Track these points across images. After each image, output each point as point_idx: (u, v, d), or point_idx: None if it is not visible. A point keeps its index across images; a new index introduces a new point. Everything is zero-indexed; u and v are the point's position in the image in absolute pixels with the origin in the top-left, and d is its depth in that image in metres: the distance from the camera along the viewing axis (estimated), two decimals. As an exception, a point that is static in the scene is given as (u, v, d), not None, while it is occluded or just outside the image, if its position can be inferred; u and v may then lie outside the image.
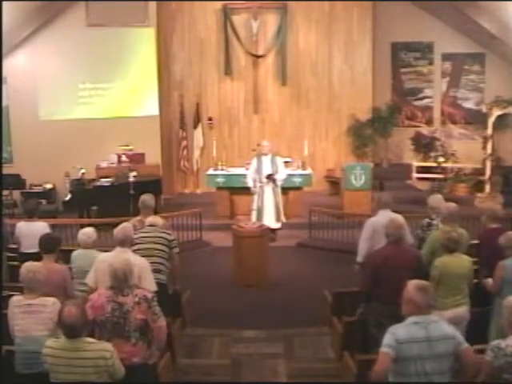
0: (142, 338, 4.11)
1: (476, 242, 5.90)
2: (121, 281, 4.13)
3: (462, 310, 4.92)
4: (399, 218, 6.05)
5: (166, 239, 5.81)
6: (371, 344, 4.94)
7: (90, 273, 5.06)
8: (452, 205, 5.76)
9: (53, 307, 4.23)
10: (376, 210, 6.33)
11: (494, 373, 3.30)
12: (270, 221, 9.48)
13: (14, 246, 7.10)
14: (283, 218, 9.92)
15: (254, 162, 9.83)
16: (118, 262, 4.22)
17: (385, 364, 3.40)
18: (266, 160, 9.77)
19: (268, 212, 9.67)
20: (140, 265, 4.81)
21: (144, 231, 5.86)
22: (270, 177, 9.65)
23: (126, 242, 5.12)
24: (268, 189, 9.73)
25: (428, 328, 3.42)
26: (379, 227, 5.63)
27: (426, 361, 3.38)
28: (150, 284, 4.86)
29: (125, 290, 4.12)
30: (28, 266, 4.36)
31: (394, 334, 3.42)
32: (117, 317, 4.06)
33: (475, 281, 5.49)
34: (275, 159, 9.87)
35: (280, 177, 9.77)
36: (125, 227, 5.21)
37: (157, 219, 6.07)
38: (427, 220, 6.01)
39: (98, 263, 5.04)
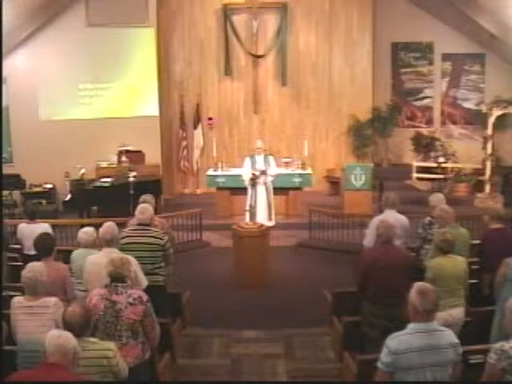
0: (133, 337, 4.10)
1: (477, 242, 5.90)
2: (118, 267, 4.15)
3: (457, 312, 4.91)
4: (402, 218, 6.07)
5: (158, 245, 5.53)
6: (367, 344, 4.96)
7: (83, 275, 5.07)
8: (444, 208, 5.69)
9: (55, 307, 4.23)
10: (382, 209, 6.32)
11: (497, 374, 3.29)
12: (263, 220, 9.54)
13: (16, 247, 7.10)
14: (273, 218, 10.12)
15: (248, 161, 10.14)
16: (115, 254, 4.32)
17: (383, 380, 3.44)
18: (259, 158, 10.11)
19: (261, 211, 9.82)
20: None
21: (133, 235, 5.57)
22: (263, 172, 9.90)
23: (113, 242, 5.11)
24: (261, 188, 9.93)
25: (429, 336, 3.39)
26: None
27: (427, 369, 3.37)
28: (142, 279, 4.91)
29: (119, 289, 4.12)
30: (29, 269, 4.33)
31: (389, 346, 3.40)
32: (109, 315, 4.07)
33: (475, 281, 5.50)
34: (268, 158, 10.22)
35: (271, 172, 10.05)
36: (110, 226, 5.17)
37: (145, 211, 5.66)
38: (429, 218, 6.00)
39: (87, 266, 5.03)
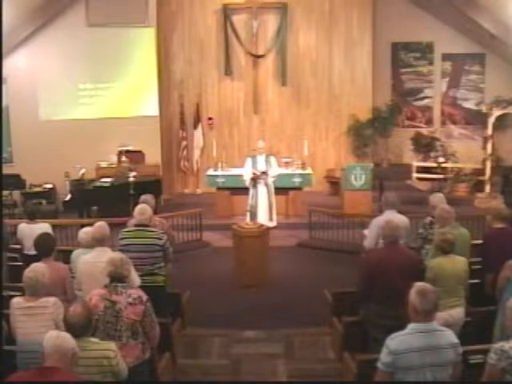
0: (133, 337, 4.10)
1: (478, 241, 5.89)
2: (118, 267, 4.14)
3: (457, 312, 4.91)
4: (402, 218, 6.05)
5: (157, 245, 5.51)
6: (372, 344, 4.95)
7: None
8: (445, 208, 5.69)
9: (54, 307, 4.23)
10: (382, 209, 6.30)
11: (497, 375, 3.29)
12: (264, 220, 9.52)
13: (16, 247, 7.09)
14: (275, 218, 10.08)
15: (249, 161, 10.10)
16: (113, 254, 4.34)
17: (382, 380, 3.44)
18: (261, 159, 10.05)
19: (262, 211, 9.81)
20: None
21: (131, 236, 5.54)
22: (263, 173, 9.87)
23: (105, 241, 5.11)
24: (262, 189, 9.91)
25: (429, 336, 3.39)
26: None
27: (427, 369, 3.37)
28: (135, 278, 4.84)
29: (119, 289, 4.11)
30: (31, 270, 4.32)
31: (389, 346, 3.40)
32: (109, 315, 4.06)
33: (476, 281, 5.49)
34: (269, 158, 10.16)
35: (272, 173, 9.99)
36: (101, 226, 5.18)
37: (144, 211, 5.62)
38: (429, 218, 5.98)
39: (80, 265, 5.03)
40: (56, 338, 3.22)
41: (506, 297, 4.43)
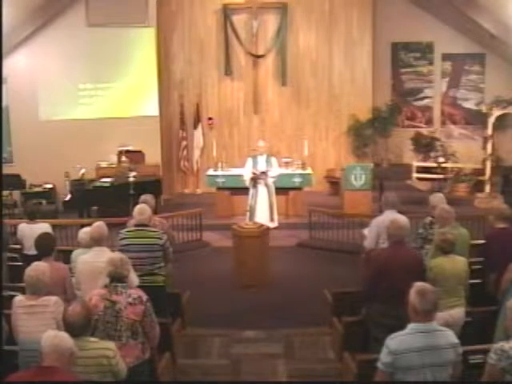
0: (133, 337, 4.10)
1: (478, 242, 5.89)
2: (118, 267, 4.14)
3: (457, 312, 4.91)
4: (403, 218, 6.04)
5: (157, 245, 5.50)
6: (372, 344, 4.95)
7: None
8: (445, 208, 5.69)
9: (55, 306, 4.24)
10: (382, 209, 6.30)
11: (497, 375, 3.29)
12: (265, 220, 9.48)
13: (16, 247, 7.10)
14: (276, 218, 10.04)
15: (250, 161, 10.07)
16: (113, 254, 4.34)
17: (382, 380, 3.44)
18: (262, 160, 10.02)
19: (261, 211, 9.80)
20: None
21: (131, 236, 5.53)
22: (263, 173, 9.85)
23: (103, 241, 5.12)
24: (262, 189, 9.90)
25: (429, 336, 3.40)
26: (384, 227, 5.59)
27: (427, 369, 3.37)
28: (133, 278, 4.80)
29: (119, 289, 4.11)
30: (33, 268, 4.32)
31: (389, 346, 3.40)
32: (109, 315, 4.06)
33: (476, 281, 5.49)
34: (270, 159, 10.13)
35: (272, 173, 9.96)
36: (99, 226, 5.19)
37: (144, 211, 5.63)
38: (429, 218, 5.98)
39: (79, 265, 5.03)
40: (54, 338, 3.21)
41: (508, 298, 4.43)
